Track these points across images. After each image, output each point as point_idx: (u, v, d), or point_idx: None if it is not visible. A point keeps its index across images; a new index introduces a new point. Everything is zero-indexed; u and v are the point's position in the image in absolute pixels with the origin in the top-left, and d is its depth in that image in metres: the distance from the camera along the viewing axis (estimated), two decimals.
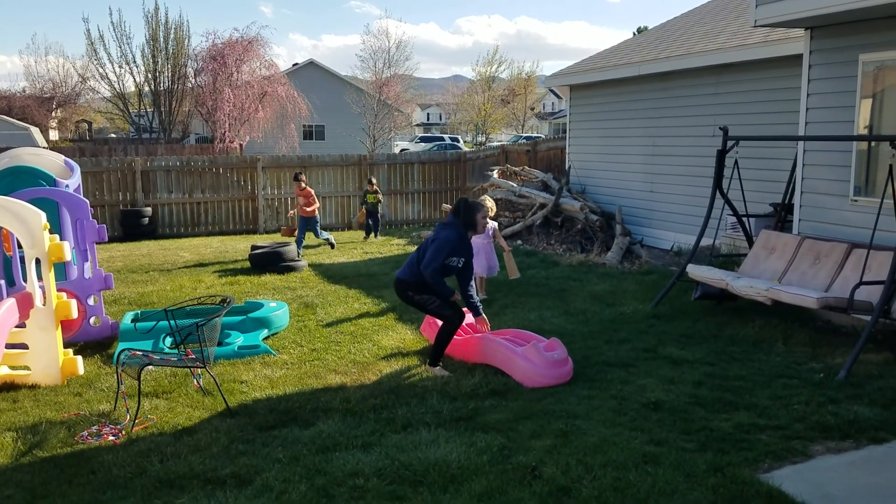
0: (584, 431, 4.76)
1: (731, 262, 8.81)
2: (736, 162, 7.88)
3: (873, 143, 7.05)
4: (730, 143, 7.86)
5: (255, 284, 9.88)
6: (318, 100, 36.05)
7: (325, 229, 15.96)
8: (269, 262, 10.65)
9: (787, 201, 8.39)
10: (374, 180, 14.14)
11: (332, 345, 6.97)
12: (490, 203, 7.94)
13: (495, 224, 8.43)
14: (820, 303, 6.31)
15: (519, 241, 12.58)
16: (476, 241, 7.40)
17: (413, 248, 12.59)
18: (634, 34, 30.50)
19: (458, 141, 50.91)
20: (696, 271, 7.67)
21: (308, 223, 12.30)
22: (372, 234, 14.27)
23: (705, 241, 8.68)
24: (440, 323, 6.59)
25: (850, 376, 5.65)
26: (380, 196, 14.14)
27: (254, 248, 11.19)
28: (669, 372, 5.93)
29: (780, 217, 8.42)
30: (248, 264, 11.08)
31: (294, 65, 45.21)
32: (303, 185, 12.26)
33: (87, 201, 7.33)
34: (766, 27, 8.39)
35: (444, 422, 4.96)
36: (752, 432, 4.70)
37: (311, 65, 44.10)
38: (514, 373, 5.81)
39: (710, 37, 11.27)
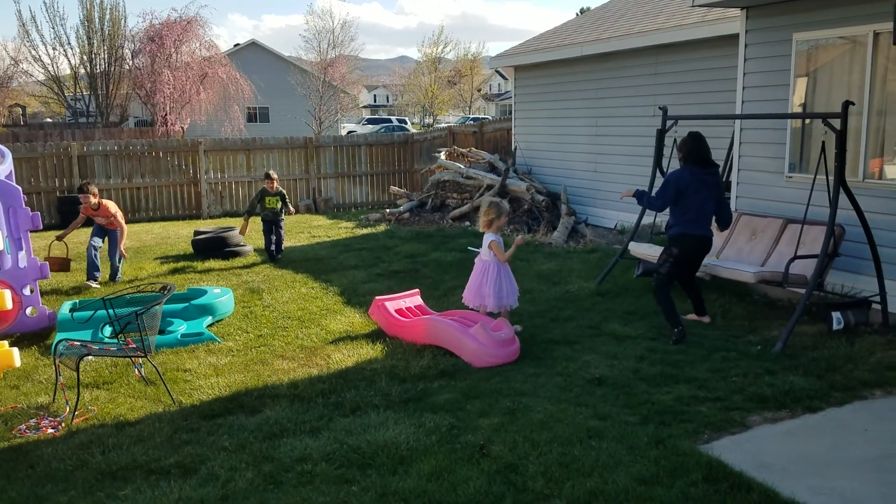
0: (530, 409, 4.83)
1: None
2: (675, 141, 8.02)
3: (807, 121, 7.26)
4: (669, 123, 8.01)
5: (198, 271, 9.69)
6: (262, 81, 35.33)
7: None
8: (212, 248, 10.45)
9: (724, 178, 8.60)
10: (273, 174, 10.38)
11: (279, 330, 6.90)
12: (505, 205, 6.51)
13: (494, 237, 6.36)
14: (756, 277, 6.50)
15: (467, 223, 12.63)
16: (483, 261, 6.35)
17: (363, 231, 12.57)
18: (577, 14, 30.70)
19: (406, 123, 50.66)
20: (637, 249, 7.82)
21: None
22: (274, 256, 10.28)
23: (647, 220, 8.85)
24: (388, 307, 6.59)
25: (786, 348, 5.86)
26: (287, 198, 10.46)
27: (197, 233, 10.96)
28: (613, 348, 6.05)
29: None
30: (191, 250, 10.86)
31: (235, 45, 44.16)
32: (93, 199, 8.78)
33: (20, 188, 7.06)
34: (703, 7, 8.55)
35: (393, 404, 4.97)
36: (693, 404, 4.84)
37: (253, 45, 43.20)
38: (463, 353, 5.85)
39: (650, 17, 11.42)
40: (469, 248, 7.98)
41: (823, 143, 6.36)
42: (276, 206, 10.28)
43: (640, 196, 6.52)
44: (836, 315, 6.23)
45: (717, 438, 4.38)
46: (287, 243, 10.92)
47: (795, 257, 6.34)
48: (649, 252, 7.61)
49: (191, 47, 30.46)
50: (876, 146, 6.73)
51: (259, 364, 5.96)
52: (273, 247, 10.26)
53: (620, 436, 4.36)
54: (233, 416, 4.87)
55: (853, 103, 6.21)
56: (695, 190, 6.20)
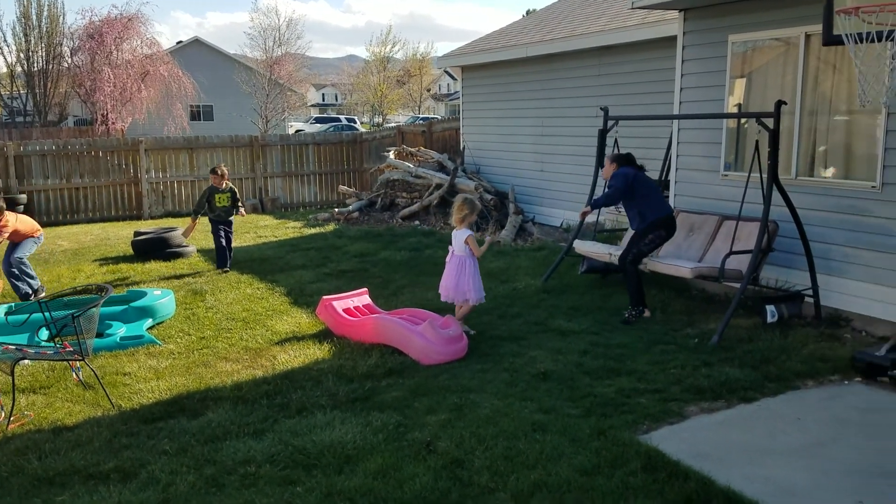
0: (477, 404, 4.87)
1: (614, 236, 9.19)
2: (616, 141, 8.20)
3: (742, 121, 7.49)
4: (610, 123, 8.17)
5: (139, 272, 9.48)
6: (206, 79, 34.72)
7: None
8: (153, 249, 10.23)
9: (663, 177, 8.82)
10: (222, 170, 9.48)
11: (223, 332, 6.80)
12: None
13: (470, 232, 6.45)
14: (694, 272, 6.69)
15: (417, 222, 12.64)
16: (458, 256, 6.39)
17: (311, 231, 12.45)
18: (524, 15, 31.01)
19: (355, 122, 50.38)
20: (582, 247, 7.95)
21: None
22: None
23: (591, 218, 9.00)
24: (336, 306, 6.56)
25: (723, 341, 6.04)
26: (238, 196, 9.69)
27: (137, 234, 10.72)
28: (558, 343, 6.15)
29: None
30: (131, 252, 10.61)
31: (178, 43, 43.26)
32: None
33: None
34: (643, 9, 8.73)
35: (340, 403, 4.96)
36: (633, 396, 4.96)
37: (197, 43, 42.36)
38: (411, 351, 5.87)
39: (593, 19, 11.61)
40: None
41: (757, 142, 6.58)
42: (226, 204, 9.50)
43: (596, 203, 7.02)
44: (769, 308, 6.45)
45: (656, 429, 4.50)
46: (233, 243, 10.70)
47: (731, 253, 6.54)
48: (593, 249, 7.75)
49: (132, 45, 29.82)
50: (808, 145, 6.99)
51: (201, 366, 5.87)
52: (227, 251, 9.44)
53: (564, 428, 4.45)
54: (174, 420, 4.79)
55: (785, 103, 6.43)
56: (643, 181, 6.94)
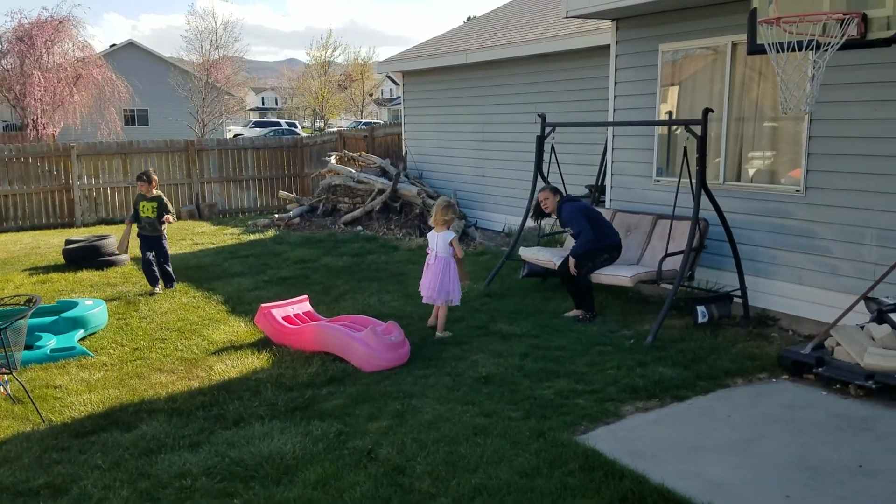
0: (419, 410, 4.89)
1: (554, 240, 9.33)
2: (553, 147, 8.35)
3: (673, 128, 7.72)
4: (548, 129, 8.31)
5: (70, 282, 9.18)
6: (140, 83, 33.83)
7: None
8: (85, 257, 9.92)
9: (599, 182, 9.01)
10: (149, 176, 8.45)
11: (157, 342, 6.65)
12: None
13: (454, 234, 6.68)
14: (633, 280, 6.85)
15: (359, 227, 12.59)
16: (441, 257, 6.55)
17: (250, 238, 12.26)
18: (465, 22, 31.22)
19: (296, 126, 49.86)
20: (527, 253, 8.02)
21: None
22: (161, 284, 8.51)
23: (531, 222, 9.11)
24: (275, 314, 6.49)
25: (657, 341, 6.20)
26: (168, 206, 8.50)
27: (68, 242, 10.39)
28: (499, 346, 6.22)
29: (595, 198, 9.05)
30: (62, 260, 10.26)
31: (111, 46, 42.06)
32: None
33: None
34: (577, 18, 8.91)
35: (279, 413, 4.91)
36: (571, 397, 5.05)
37: (131, 46, 41.29)
38: (353, 358, 5.84)
39: (530, 27, 11.79)
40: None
41: (685, 148, 6.79)
42: (150, 214, 8.38)
43: (577, 254, 7.06)
44: (700, 309, 6.65)
45: (594, 429, 4.59)
46: (168, 251, 10.38)
47: (666, 255, 6.72)
48: (538, 256, 7.83)
49: (63, 48, 28.88)
50: (735, 151, 7.24)
51: (135, 378, 5.72)
52: (156, 269, 8.45)
53: (504, 431, 4.50)
54: (106, 434, 4.66)
55: (713, 111, 6.66)
56: (592, 210, 7.34)
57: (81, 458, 4.31)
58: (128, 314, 7.59)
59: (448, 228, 6.60)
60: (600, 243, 7.08)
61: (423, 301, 6.71)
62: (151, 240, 8.47)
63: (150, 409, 5.03)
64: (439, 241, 6.56)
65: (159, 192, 8.58)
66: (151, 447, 4.42)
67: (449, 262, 6.55)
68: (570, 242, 8.23)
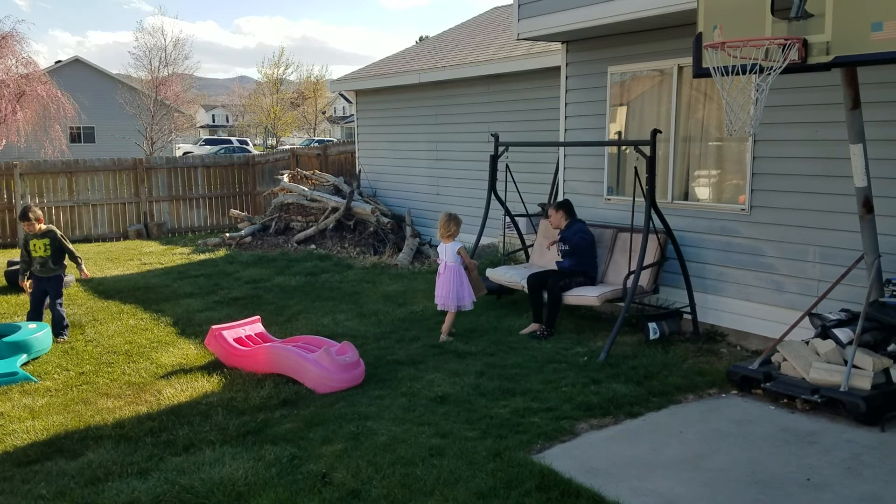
0: (374, 432, 4.84)
1: (509, 258, 9.38)
2: (507, 166, 8.43)
3: (623, 148, 7.87)
4: (501, 149, 8.39)
5: (12, 304, 8.88)
6: (87, 100, 33.10)
7: (98, 240, 14.78)
8: None
9: (552, 201, 9.11)
10: (28, 213, 7.21)
11: (104, 366, 6.46)
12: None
13: (460, 244, 7.18)
14: (601, 299, 6.90)
15: (313, 245, 12.48)
16: (451, 266, 7.05)
17: (200, 257, 12.05)
18: (417, 42, 31.45)
19: (248, 144, 49.33)
20: (495, 275, 7.91)
21: None
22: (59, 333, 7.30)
23: (485, 240, 9.19)
24: (226, 336, 6.37)
25: (610, 357, 6.28)
26: (65, 242, 7.39)
27: (10, 263, 10.04)
28: (455, 365, 6.21)
29: (547, 215, 9.12)
30: (4, 282, 9.93)
31: (57, 62, 41.18)
32: None
33: None
34: (528, 40, 9.05)
35: (231, 438, 4.81)
36: (527, 416, 5.07)
37: (77, 62, 40.43)
38: (306, 380, 5.76)
39: (482, 48, 11.93)
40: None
41: (636, 168, 6.92)
42: (43, 254, 7.20)
43: (568, 273, 7.27)
44: (651, 325, 6.76)
45: (549, 447, 4.61)
46: (113, 272, 10.14)
47: (630, 273, 6.79)
48: (506, 277, 7.79)
49: (6, 64, 28.07)
50: (683, 170, 7.42)
51: (81, 404, 5.54)
52: (46, 321, 7.18)
53: (461, 452, 4.48)
54: (51, 462, 4.50)
55: (660, 131, 6.81)
56: (594, 240, 7.48)
57: (24, 489, 4.15)
58: (73, 337, 7.36)
59: (453, 240, 7.07)
60: (585, 268, 7.28)
61: (439, 308, 7.17)
62: (47, 281, 7.29)
63: (97, 436, 4.87)
64: (447, 251, 7.06)
65: (50, 226, 7.40)
66: (98, 475, 4.28)
67: (459, 271, 7.04)
68: (535, 256, 8.31)
